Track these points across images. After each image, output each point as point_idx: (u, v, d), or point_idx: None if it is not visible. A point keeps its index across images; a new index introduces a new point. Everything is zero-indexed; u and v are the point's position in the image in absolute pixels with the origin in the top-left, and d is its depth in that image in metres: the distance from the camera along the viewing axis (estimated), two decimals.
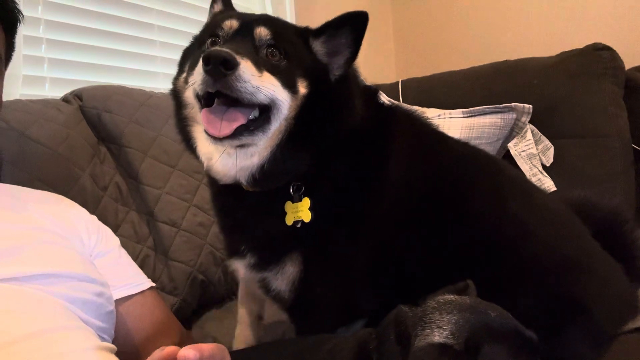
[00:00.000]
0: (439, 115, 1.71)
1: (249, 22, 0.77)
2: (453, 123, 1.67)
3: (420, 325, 0.50)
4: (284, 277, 0.80)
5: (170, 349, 0.50)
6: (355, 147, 0.81)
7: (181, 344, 0.89)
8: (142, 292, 0.88)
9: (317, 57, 0.79)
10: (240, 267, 0.86)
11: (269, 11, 1.96)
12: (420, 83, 1.95)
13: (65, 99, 1.25)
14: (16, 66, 1.26)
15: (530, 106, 1.62)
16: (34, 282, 0.67)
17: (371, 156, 0.82)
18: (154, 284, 0.92)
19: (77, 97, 1.24)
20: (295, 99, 0.76)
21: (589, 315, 0.77)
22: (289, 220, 0.77)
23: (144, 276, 0.91)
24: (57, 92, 1.32)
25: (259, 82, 0.70)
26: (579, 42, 1.67)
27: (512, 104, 1.63)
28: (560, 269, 0.80)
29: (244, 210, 0.84)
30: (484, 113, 1.65)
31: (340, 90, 0.79)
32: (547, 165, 1.61)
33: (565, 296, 0.77)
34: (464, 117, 1.67)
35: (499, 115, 1.63)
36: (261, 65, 0.72)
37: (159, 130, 1.28)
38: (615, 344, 0.81)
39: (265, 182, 0.78)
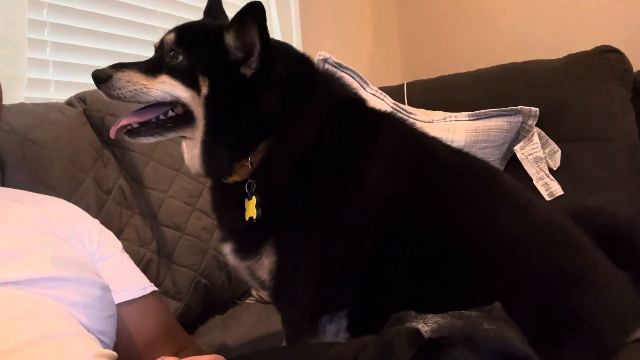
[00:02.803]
0: (445, 118, 1.70)
1: (166, 33, 0.87)
2: (459, 126, 1.66)
3: (410, 320, 0.51)
4: (263, 266, 0.86)
5: (169, 359, 0.50)
6: (324, 150, 0.86)
7: (184, 349, 0.89)
8: (145, 296, 0.87)
9: (228, 52, 0.83)
10: (227, 252, 0.92)
11: (273, 11, 1.95)
12: (425, 85, 1.94)
13: (69, 102, 1.24)
14: (21, 69, 1.26)
15: (537, 109, 1.61)
16: (35, 286, 0.67)
17: (342, 160, 0.86)
18: (156, 288, 0.91)
19: (81, 101, 1.24)
20: (200, 96, 0.83)
21: (588, 326, 0.76)
22: (246, 216, 0.85)
23: (147, 280, 0.91)
24: (62, 95, 1.32)
25: (140, 86, 0.81)
26: (587, 44, 1.65)
27: (519, 106, 1.61)
28: (554, 281, 0.79)
29: (217, 200, 0.96)
30: (490, 116, 1.64)
31: (252, 86, 0.83)
32: (554, 168, 1.59)
33: (560, 307, 0.77)
34: (469, 120, 1.66)
35: (505, 119, 1.62)
36: (161, 69, 0.83)
37: None
38: (622, 353, 0.80)
39: (210, 171, 0.88)
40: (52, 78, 1.42)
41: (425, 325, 0.49)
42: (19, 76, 1.25)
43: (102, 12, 1.52)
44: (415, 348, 0.46)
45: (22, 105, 1.14)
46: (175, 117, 0.86)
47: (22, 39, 1.26)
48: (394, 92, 1.88)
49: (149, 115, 0.86)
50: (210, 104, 0.83)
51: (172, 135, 0.88)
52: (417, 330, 0.48)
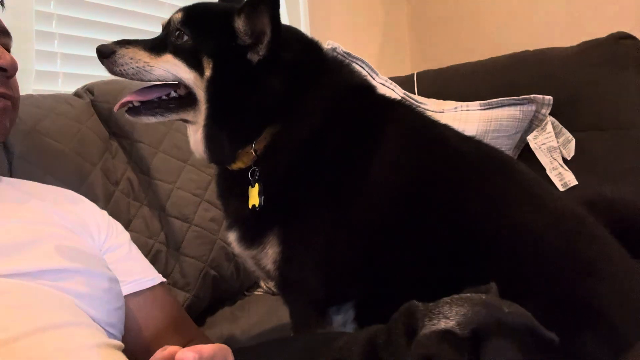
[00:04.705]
0: (456, 108, 1.67)
1: (175, 12, 0.85)
2: (470, 116, 1.63)
3: (428, 316, 0.48)
4: (268, 257, 0.85)
5: (171, 348, 0.49)
6: (330, 137, 0.84)
7: (192, 341, 0.89)
8: (152, 287, 0.87)
9: (236, 36, 0.81)
10: (232, 241, 0.91)
11: (283, 8, 1.93)
12: (436, 75, 1.91)
13: (76, 94, 1.24)
14: (29, 61, 1.26)
15: (551, 98, 1.58)
16: (43, 277, 0.66)
17: (349, 148, 0.84)
18: (164, 280, 0.91)
19: (88, 92, 1.24)
20: (203, 79, 0.81)
21: (604, 319, 0.74)
22: (249, 204, 0.83)
23: (155, 271, 0.91)
24: (71, 87, 1.32)
25: (143, 64, 0.81)
26: (602, 31, 1.61)
27: (532, 95, 1.58)
28: (569, 272, 0.77)
29: (222, 188, 0.95)
30: (502, 105, 1.61)
31: (258, 72, 0.81)
32: (568, 158, 1.56)
33: (575, 300, 0.74)
34: (481, 109, 1.63)
35: (518, 108, 1.59)
36: (165, 48, 0.82)
37: (170, 124, 1.28)
38: (638, 347, 0.78)
39: (213, 156, 0.87)
40: (60, 70, 1.43)
41: (448, 320, 0.47)
42: (27, 68, 1.25)
43: (109, 4, 1.52)
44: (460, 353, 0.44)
45: (30, 96, 1.15)
46: (178, 99, 0.85)
47: (30, 31, 1.27)
48: (404, 82, 1.86)
49: (152, 95, 0.85)
50: (212, 88, 0.82)
51: (173, 116, 0.87)
52: (449, 332, 0.45)
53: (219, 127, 0.83)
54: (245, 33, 0.81)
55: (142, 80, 0.84)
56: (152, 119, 0.86)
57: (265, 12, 0.78)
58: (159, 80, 0.84)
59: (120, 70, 0.82)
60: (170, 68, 0.82)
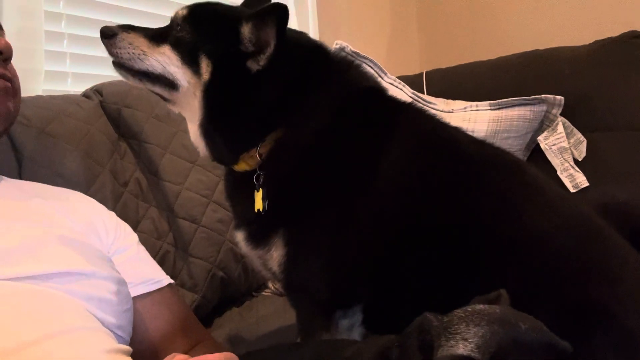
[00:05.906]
0: (465, 108, 1.66)
1: (181, 8, 0.86)
2: (480, 115, 1.62)
3: (444, 335, 0.47)
4: (273, 258, 0.85)
5: (179, 357, 0.49)
6: (336, 141, 0.84)
7: (200, 343, 0.89)
8: (161, 289, 0.87)
9: (240, 42, 0.81)
10: (239, 240, 0.91)
11: (291, 8, 1.93)
12: (445, 74, 1.90)
13: (85, 95, 1.24)
14: (38, 61, 1.27)
15: (562, 98, 1.56)
16: (51, 280, 0.66)
17: (356, 152, 0.84)
18: (172, 281, 0.91)
19: (97, 93, 1.24)
20: (198, 78, 0.82)
21: (617, 323, 0.73)
22: (255, 208, 0.83)
23: (163, 273, 0.91)
24: (80, 88, 1.32)
25: (140, 52, 0.82)
26: (614, 30, 1.60)
27: (543, 95, 1.57)
28: (582, 276, 0.76)
29: (230, 188, 0.95)
30: (513, 105, 1.59)
31: (255, 81, 0.81)
32: (579, 159, 1.55)
33: (588, 303, 0.74)
34: (491, 109, 1.62)
35: (529, 108, 1.58)
36: (165, 40, 0.83)
37: (178, 125, 1.28)
38: None
39: (215, 157, 0.87)
40: (70, 70, 1.43)
41: (467, 341, 0.45)
42: (36, 68, 1.25)
43: (118, 4, 1.52)
44: None
45: (38, 97, 1.15)
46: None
47: (40, 31, 1.27)
48: (413, 82, 1.85)
49: None
50: (208, 90, 0.82)
51: (149, 86, 0.87)
52: (469, 358, 0.44)
53: (215, 131, 0.84)
54: (249, 40, 0.81)
55: (133, 67, 0.84)
56: (130, 79, 0.86)
57: (273, 25, 0.78)
58: (147, 71, 0.84)
59: (116, 52, 0.83)
60: (163, 60, 0.83)
